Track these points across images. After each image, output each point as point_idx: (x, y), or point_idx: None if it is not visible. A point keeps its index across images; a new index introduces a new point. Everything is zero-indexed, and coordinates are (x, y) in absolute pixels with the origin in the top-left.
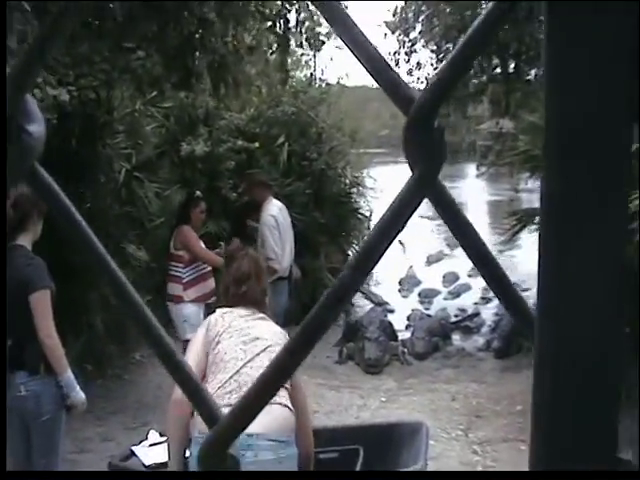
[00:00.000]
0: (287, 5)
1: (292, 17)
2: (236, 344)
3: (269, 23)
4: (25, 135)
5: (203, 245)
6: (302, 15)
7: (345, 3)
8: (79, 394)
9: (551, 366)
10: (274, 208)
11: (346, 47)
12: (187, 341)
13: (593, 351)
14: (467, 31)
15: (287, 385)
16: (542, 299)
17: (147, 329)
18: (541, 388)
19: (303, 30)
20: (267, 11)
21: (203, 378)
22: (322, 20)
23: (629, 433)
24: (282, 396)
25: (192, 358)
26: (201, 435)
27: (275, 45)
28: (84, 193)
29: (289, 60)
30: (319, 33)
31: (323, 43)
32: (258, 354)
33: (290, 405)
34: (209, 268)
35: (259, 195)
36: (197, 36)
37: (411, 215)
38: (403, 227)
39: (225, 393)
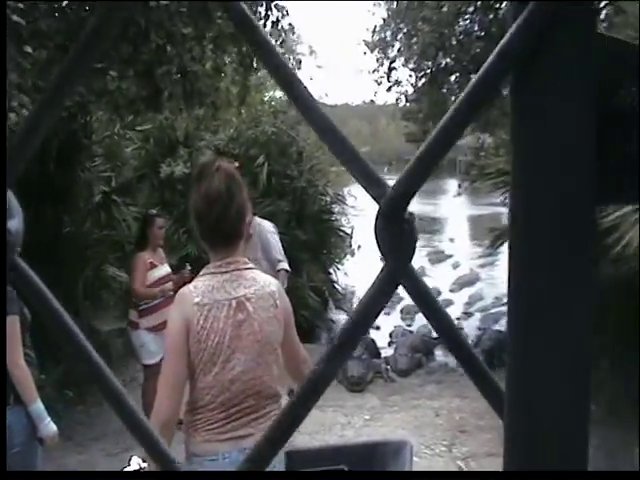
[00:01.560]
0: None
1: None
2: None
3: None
4: (7, 234)
5: (158, 273)
6: (280, 34)
7: (325, 22)
8: (49, 425)
9: (521, 445)
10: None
11: (318, 136)
12: (147, 366)
13: (561, 430)
14: (445, 50)
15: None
16: (511, 375)
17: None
18: (511, 464)
19: (281, 50)
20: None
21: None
22: (301, 39)
23: (621, 444)
24: (274, 410)
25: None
26: (200, 458)
27: (239, 66)
28: (62, 217)
29: (258, 80)
30: (298, 53)
31: (300, 62)
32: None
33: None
34: (170, 294)
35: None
36: (167, 52)
37: (384, 306)
38: (376, 317)
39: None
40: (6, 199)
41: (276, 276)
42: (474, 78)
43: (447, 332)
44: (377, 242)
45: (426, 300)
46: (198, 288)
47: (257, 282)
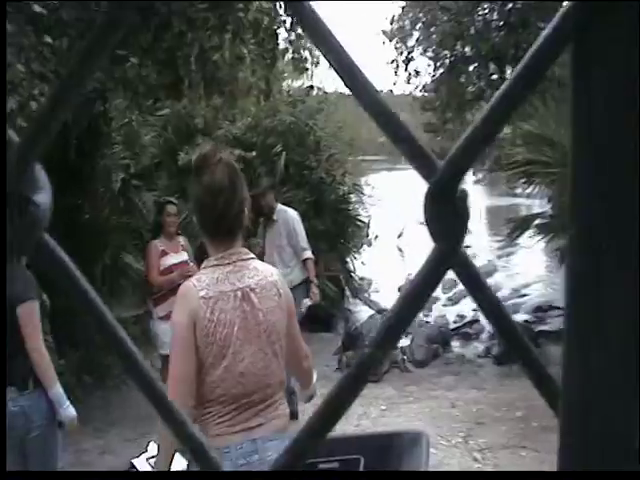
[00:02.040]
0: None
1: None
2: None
3: (261, 34)
4: (32, 207)
5: (169, 261)
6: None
7: (344, 13)
8: (68, 409)
9: (576, 444)
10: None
11: (365, 110)
12: (162, 355)
13: (619, 431)
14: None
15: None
16: (567, 372)
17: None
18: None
19: (300, 42)
20: (260, 17)
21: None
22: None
23: None
24: (280, 398)
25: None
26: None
27: (265, 59)
28: (82, 204)
29: (283, 70)
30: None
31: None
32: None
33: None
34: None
35: (271, 199)
36: (189, 41)
37: (435, 288)
38: (426, 301)
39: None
40: (6, 199)
41: (302, 264)
42: (530, 50)
43: (500, 321)
44: (426, 223)
45: (478, 286)
46: (202, 281)
47: (260, 272)
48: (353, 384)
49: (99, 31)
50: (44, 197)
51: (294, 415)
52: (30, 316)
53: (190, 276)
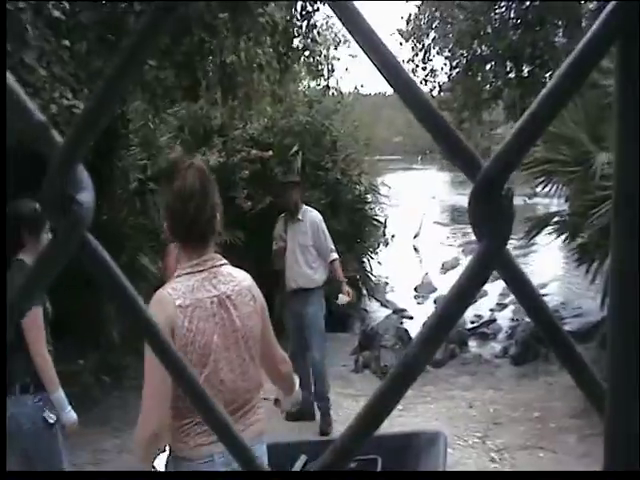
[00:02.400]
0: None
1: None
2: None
3: (277, 38)
4: (75, 206)
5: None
6: (313, 25)
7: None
8: (69, 413)
9: (622, 445)
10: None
11: (412, 113)
12: None
13: None
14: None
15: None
16: (613, 372)
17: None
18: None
19: (316, 45)
20: (278, 21)
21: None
22: (335, 28)
23: None
24: (258, 402)
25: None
26: (193, 462)
27: (280, 63)
28: (101, 205)
29: (300, 71)
30: (329, 45)
31: (336, 47)
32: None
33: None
34: None
35: (296, 195)
36: (207, 45)
37: (480, 288)
38: (471, 302)
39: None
40: (5, 198)
41: (324, 265)
42: (578, 46)
43: (544, 322)
44: (471, 222)
45: (522, 287)
46: (178, 290)
47: (235, 278)
48: (397, 385)
49: (141, 34)
50: (87, 196)
51: (311, 416)
52: (34, 321)
53: None
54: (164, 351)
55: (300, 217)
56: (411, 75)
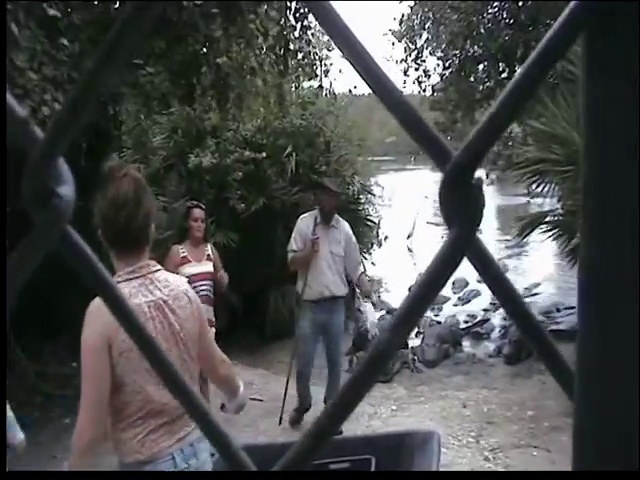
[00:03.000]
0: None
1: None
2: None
3: (271, 41)
4: (56, 199)
5: (189, 270)
6: (306, 27)
7: (352, 12)
8: (17, 434)
9: (591, 429)
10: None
11: (380, 100)
12: None
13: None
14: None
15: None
16: (582, 361)
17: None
18: (581, 458)
19: (310, 47)
20: (269, 26)
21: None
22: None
23: None
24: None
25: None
26: (152, 463)
27: (278, 65)
28: (92, 210)
29: (294, 71)
30: (322, 46)
31: (329, 50)
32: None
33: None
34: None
35: (334, 201)
36: (202, 53)
37: (450, 276)
38: (442, 287)
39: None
40: (5, 199)
41: (357, 278)
42: (547, 34)
43: (514, 308)
44: (442, 212)
45: (492, 273)
46: None
47: (170, 282)
48: (370, 370)
49: (122, 24)
50: (67, 190)
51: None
52: None
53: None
54: (147, 344)
55: (334, 224)
56: (384, 69)
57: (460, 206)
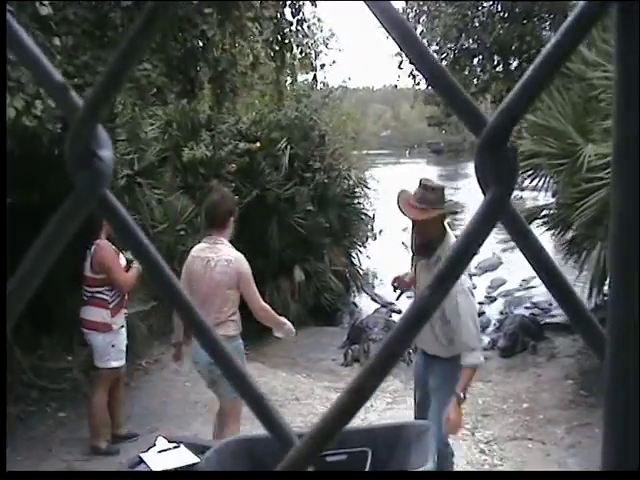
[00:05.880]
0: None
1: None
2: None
3: (267, 36)
4: (97, 161)
5: (122, 260)
6: (302, 20)
7: (348, 6)
8: None
9: (624, 392)
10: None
11: (418, 70)
12: (113, 369)
13: None
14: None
15: None
16: (613, 324)
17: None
18: (613, 412)
19: (306, 34)
20: (266, 14)
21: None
22: (323, 23)
23: None
24: None
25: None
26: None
27: (276, 60)
28: None
29: (292, 63)
30: (317, 39)
31: (326, 44)
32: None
33: None
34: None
35: (437, 232)
36: (199, 48)
37: (486, 237)
38: (479, 249)
39: None
40: (5, 201)
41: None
42: (575, 8)
43: (546, 270)
44: (477, 175)
45: (525, 236)
46: (194, 250)
47: (221, 250)
48: (413, 324)
49: (153, 4)
50: (107, 154)
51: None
52: None
53: None
54: (178, 300)
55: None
56: (373, 70)
57: (496, 169)
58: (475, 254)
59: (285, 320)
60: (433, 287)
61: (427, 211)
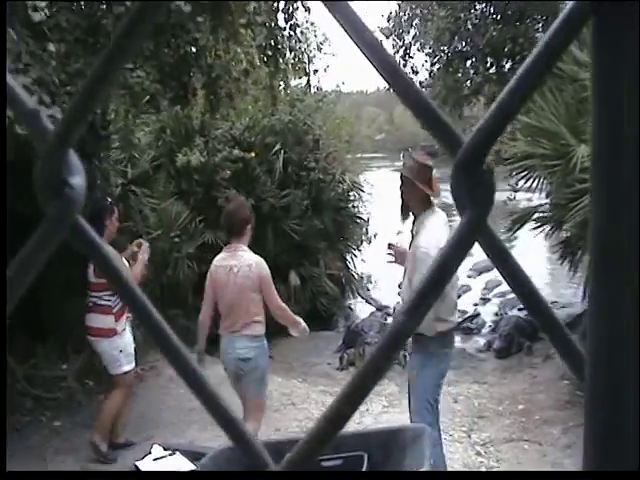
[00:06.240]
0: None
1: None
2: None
3: (260, 41)
4: (68, 189)
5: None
6: (295, 25)
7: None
8: None
9: (602, 411)
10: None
11: (391, 89)
12: (125, 373)
13: None
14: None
15: None
16: (593, 344)
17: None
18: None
19: (299, 39)
20: (259, 20)
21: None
22: (316, 27)
23: None
24: None
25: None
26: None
27: (266, 68)
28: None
29: (284, 70)
30: (311, 44)
31: (320, 49)
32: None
33: None
34: None
35: (414, 202)
36: (192, 54)
37: (463, 259)
38: (455, 271)
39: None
40: (5, 204)
41: None
42: (555, 21)
43: (525, 291)
44: (453, 196)
45: (503, 257)
46: (216, 259)
47: (242, 257)
48: (389, 350)
49: (129, 23)
50: (79, 180)
51: None
52: None
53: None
54: (153, 326)
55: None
56: (369, 73)
57: (472, 190)
58: (449, 278)
59: (300, 320)
60: (408, 311)
61: (406, 179)
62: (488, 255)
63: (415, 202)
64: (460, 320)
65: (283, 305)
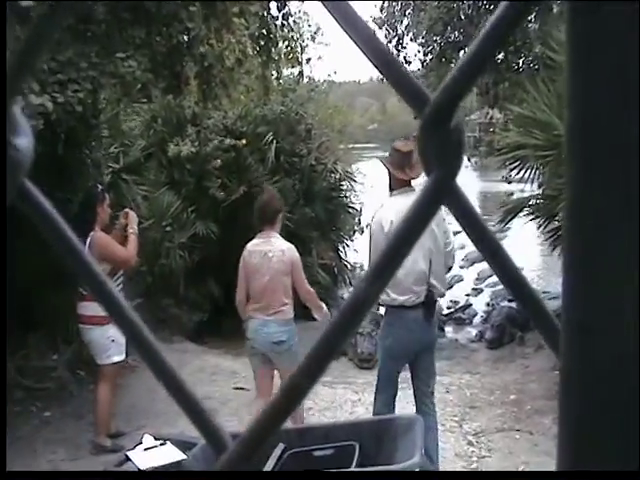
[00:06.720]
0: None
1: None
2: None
3: (253, 30)
4: (12, 150)
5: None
6: (287, 14)
7: None
8: None
9: (578, 381)
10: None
11: (354, 45)
12: (114, 364)
13: (622, 368)
14: (479, 33)
15: None
16: (567, 311)
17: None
18: (567, 403)
19: (292, 28)
20: (252, 9)
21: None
22: (308, 16)
23: None
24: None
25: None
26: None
27: (259, 57)
28: (71, 199)
29: (276, 60)
30: (303, 34)
31: (313, 39)
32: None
33: None
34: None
35: (393, 179)
36: (185, 44)
37: (427, 224)
38: (418, 238)
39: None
40: (5, 199)
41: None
42: None
43: (493, 255)
44: (420, 158)
45: (471, 221)
46: (249, 245)
47: (275, 243)
48: (348, 320)
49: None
50: (25, 142)
51: None
52: None
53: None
54: (106, 295)
55: None
56: (362, 62)
57: (439, 150)
58: (415, 241)
59: (324, 305)
60: (369, 279)
61: (384, 165)
62: (457, 218)
63: (394, 186)
64: (452, 310)
65: (312, 289)
